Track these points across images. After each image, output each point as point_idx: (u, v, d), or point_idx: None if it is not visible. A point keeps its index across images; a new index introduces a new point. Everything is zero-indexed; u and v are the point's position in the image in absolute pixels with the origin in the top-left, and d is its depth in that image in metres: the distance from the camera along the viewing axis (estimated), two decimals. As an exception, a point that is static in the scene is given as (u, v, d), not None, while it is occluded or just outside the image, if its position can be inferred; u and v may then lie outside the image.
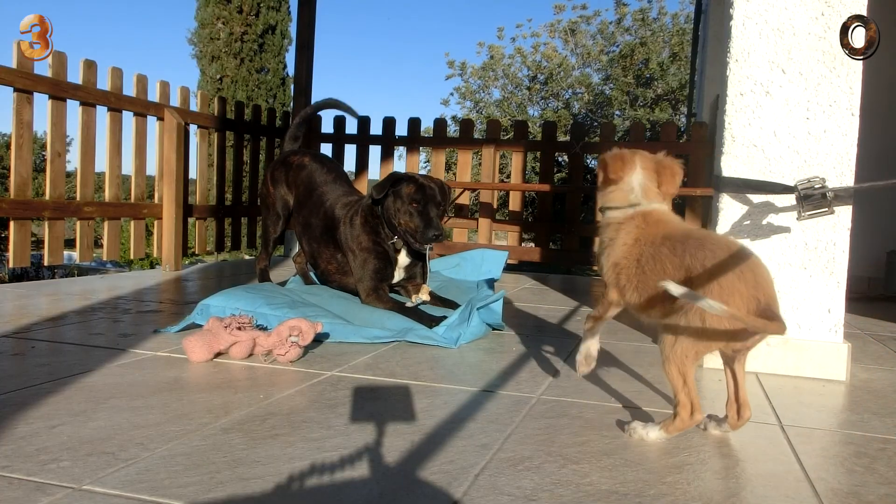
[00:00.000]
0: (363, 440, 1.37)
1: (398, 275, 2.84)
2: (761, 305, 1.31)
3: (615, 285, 1.55)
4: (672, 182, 1.59)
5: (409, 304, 2.71)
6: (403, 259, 2.82)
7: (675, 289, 1.29)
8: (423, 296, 2.79)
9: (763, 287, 1.34)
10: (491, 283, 3.51)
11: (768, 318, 1.30)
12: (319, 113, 5.73)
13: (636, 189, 1.56)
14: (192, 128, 4.75)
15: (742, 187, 2.11)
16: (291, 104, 5.96)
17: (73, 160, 4.05)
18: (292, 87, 6.01)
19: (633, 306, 1.53)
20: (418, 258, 2.85)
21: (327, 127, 5.81)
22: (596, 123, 15.69)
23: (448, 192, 2.85)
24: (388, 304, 2.67)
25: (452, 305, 2.78)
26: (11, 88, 3.48)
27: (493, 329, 2.56)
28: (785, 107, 2.10)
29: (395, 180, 2.71)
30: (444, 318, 2.45)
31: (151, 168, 4.46)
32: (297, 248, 5.41)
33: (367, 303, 2.72)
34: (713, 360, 2.13)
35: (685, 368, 1.37)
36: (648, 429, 1.44)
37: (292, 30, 14.04)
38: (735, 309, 1.27)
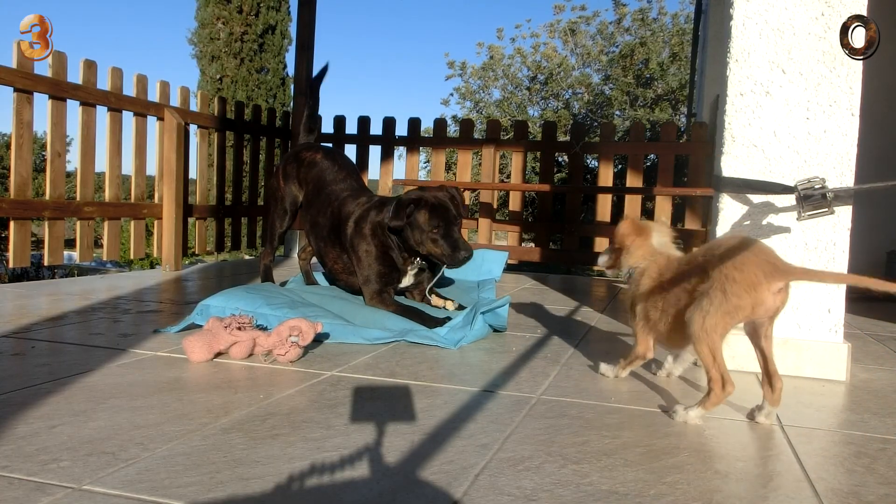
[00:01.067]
0: (363, 440, 1.37)
1: (406, 281, 2.83)
2: (776, 266, 1.49)
3: (644, 321, 1.79)
4: None
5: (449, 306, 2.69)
6: (412, 269, 2.79)
7: None
8: (449, 307, 2.77)
9: (771, 255, 1.53)
10: (491, 283, 3.51)
11: (786, 272, 1.50)
12: (319, 112, 5.74)
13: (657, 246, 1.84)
14: (192, 128, 4.75)
15: (742, 187, 2.11)
16: (291, 104, 5.96)
17: (73, 160, 4.06)
18: (292, 87, 6.02)
19: (664, 333, 1.73)
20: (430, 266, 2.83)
21: (327, 127, 5.81)
22: (596, 123, 15.69)
23: (459, 195, 2.75)
24: (392, 306, 2.66)
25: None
26: (11, 88, 3.48)
27: (495, 330, 2.55)
28: (785, 107, 2.10)
29: (406, 206, 2.61)
30: (448, 319, 2.45)
31: (151, 168, 4.46)
32: (297, 248, 5.42)
33: (370, 305, 2.71)
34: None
35: (714, 345, 1.51)
36: (689, 411, 1.56)
37: (292, 30, 14.03)
38: (751, 275, 1.47)
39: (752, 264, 1.48)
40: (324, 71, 3.61)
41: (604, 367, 1.99)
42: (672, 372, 1.99)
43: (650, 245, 1.83)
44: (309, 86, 3.59)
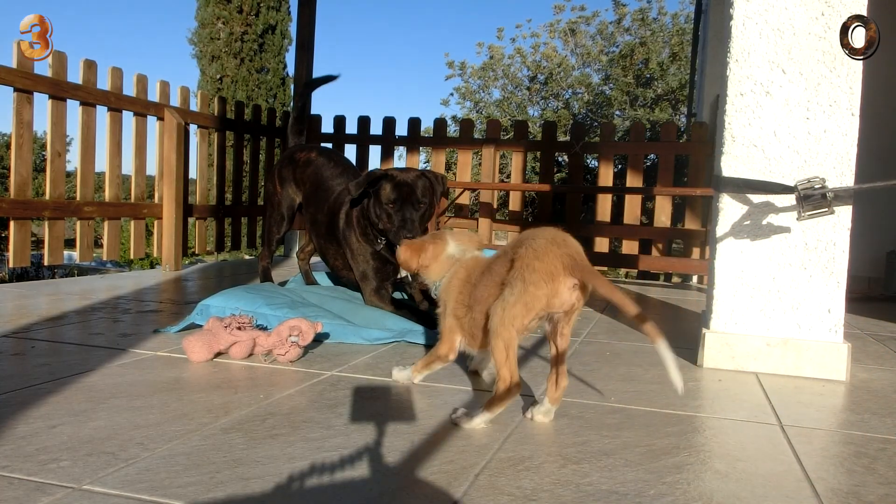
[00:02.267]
0: (363, 440, 1.37)
1: (402, 272, 2.80)
2: (575, 261, 1.44)
3: (453, 319, 1.69)
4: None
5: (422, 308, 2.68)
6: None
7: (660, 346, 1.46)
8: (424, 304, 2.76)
9: (572, 247, 1.48)
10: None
11: (583, 270, 1.44)
12: (319, 112, 5.75)
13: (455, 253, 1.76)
14: (192, 128, 4.75)
15: (742, 187, 2.11)
16: (291, 104, 5.95)
17: (73, 160, 4.06)
18: (292, 87, 6.01)
19: (471, 332, 1.64)
20: None
21: (327, 127, 5.81)
22: (596, 123, 15.69)
23: (437, 183, 2.69)
24: (391, 306, 2.66)
25: None
26: (11, 88, 3.48)
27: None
28: (785, 107, 2.10)
29: (372, 179, 2.59)
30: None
31: (151, 168, 4.46)
32: (297, 248, 5.42)
33: (369, 303, 2.70)
34: (714, 360, 2.14)
35: (509, 340, 1.45)
36: (474, 417, 1.48)
37: (292, 30, 14.03)
38: (549, 265, 1.42)
39: (552, 255, 1.45)
40: (325, 80, 3.57)
41: (396, 371, 1.84)
42: (480, 369, 1.92)
43: (444, 258, 1.77)
44: (304, 87, 3.58)
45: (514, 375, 1.46)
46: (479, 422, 1.48)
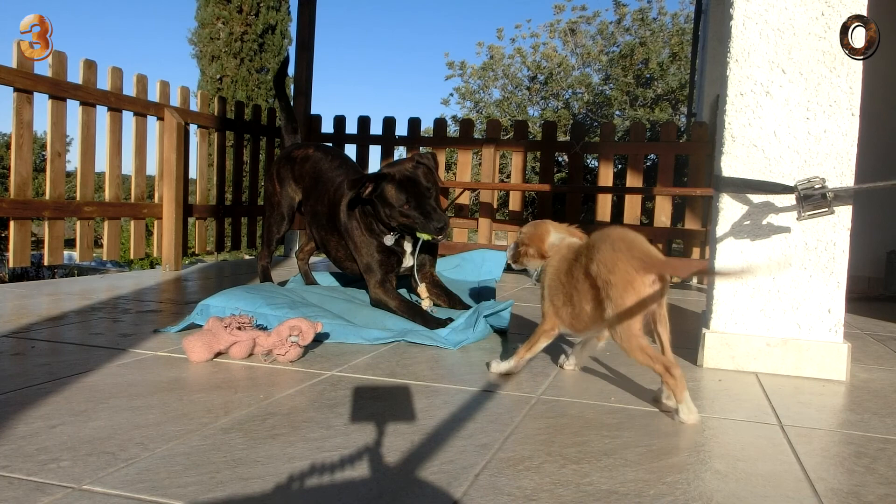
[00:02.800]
0: (363, 440, 1.37)
1: (406, 262, 2.79)
2: (645, 260, 1.54)
3: (550, 305, 1.84)
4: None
5: (423, 305, 2.68)
6: (408, 247, 2.76)
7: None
8: (425, 302, 2.75)
9: (637, 247, 1.57)
10: (491, 288, 3.50)
11: (658, 264, 1.57)
12: (319, 112, 5.75)
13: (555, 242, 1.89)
14: (192, 128, 4.75)
15: (742, 187, 2.11)
16: (291, 104, 5.94)
17: (73, 160, 4.06)
18: (292, 86, 6.01)
19: (569, 322, 1.79)
20: (425, 247, 2.78)
21: (327, 127, 5.81)
22: (596, 123, 15.70)
23: (429, 162, 2.68)
24: (395, 300, 2.65)
25: (457, 302, 2.77)
26: (11, 88, 3.48)
27: (496, 331, 2.55)
28: (785, 107, 2.10)
29: (369, 181, 2.57)
30: (450, 320, 2.44)
31: (151, 168, 4.46)
32: (297, 247, 5.42)
33: (374, 295, 2.69)
34: (714, 360, 2.14)
35: (640, 344, 1.58)
36: (683, 408, 1.58)
37: (292, 30, 14.01)
38: (624, 274, 1.54)
39: (622, 263, 1.54)
40: (284, 66, 3.70)
41: (494, 364, 1.95)
42: (576, 364, 2.04)
43: (545, 247, 1.89)
44: (276, 86, 3.66)
45: (667, 362, 1.57)
46: (687, 411, 1.56)
